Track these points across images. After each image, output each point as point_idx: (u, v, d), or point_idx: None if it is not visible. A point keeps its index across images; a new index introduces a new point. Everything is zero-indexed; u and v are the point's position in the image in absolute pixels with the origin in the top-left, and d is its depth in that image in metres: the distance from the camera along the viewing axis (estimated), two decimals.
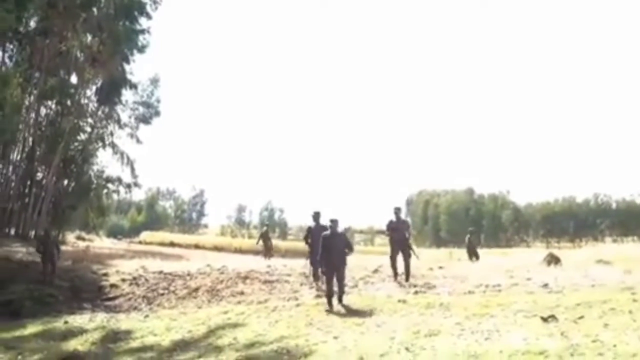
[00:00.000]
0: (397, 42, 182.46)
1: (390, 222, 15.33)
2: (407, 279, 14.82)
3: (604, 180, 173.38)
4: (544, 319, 9.12)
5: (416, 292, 13.60)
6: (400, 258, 15.04)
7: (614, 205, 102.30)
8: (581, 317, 9.22)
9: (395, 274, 15.17)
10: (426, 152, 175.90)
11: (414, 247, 15.36)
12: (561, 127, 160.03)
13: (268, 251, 26.67)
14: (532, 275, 14.58)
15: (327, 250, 12.40)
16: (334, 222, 12.92)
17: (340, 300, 12.22)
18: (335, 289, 12.22)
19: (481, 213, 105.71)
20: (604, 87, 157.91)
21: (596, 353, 6.84)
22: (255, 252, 31.38)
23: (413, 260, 15.12)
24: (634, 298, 10.55)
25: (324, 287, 13.33)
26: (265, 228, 33.30)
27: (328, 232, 12.83)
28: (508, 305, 10.87)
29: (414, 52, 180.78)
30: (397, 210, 15.59)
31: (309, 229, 15.38)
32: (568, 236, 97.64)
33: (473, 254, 22.71)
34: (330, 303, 12.11)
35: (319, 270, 13.84)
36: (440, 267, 16.98)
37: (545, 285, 13.17)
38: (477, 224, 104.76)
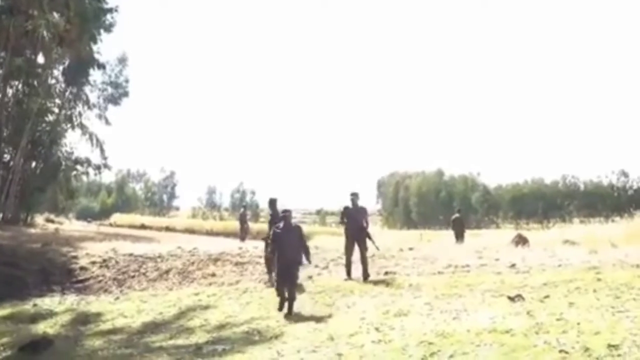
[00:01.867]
0: (368, 26, 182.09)
1: (345, 208, 13.58)
2: (365, 276, 12.88)
3: (572, 162, 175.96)
4: (511, 299, 9.30)
5: (386, 273, 13.73)
6: (356, 251, 13.26)
7: (581, 187, 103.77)
8: (547, 297, 9.42)
9: (349, 271, 13.23)
10: (398, 134, 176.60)
11: (372, 237, 13.55)
12: (530, 109, 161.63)
13: (243, 233, 26.68)
14: (501, 256, 14.80)
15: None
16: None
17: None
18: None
19: (451, 195, 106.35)
20: (572, 69, 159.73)
21: (560, 331, 6.99)
22: (226, 235, 31.36)
23: (377, 249, 14.07)
24: (599, 277, 10.79)
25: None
26: (242, 210, 33.17)
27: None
28: (476, 286, 11.06)
29: (385, 35, 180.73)
30: (354, 196, 13.52)
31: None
32: (537, 217, 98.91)
33: (459, 235, 22.65)
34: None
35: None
36: (410, 249, 17.15)
37: (513, 265, 13.39)
38: (447, 205, 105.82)
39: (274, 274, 11.91)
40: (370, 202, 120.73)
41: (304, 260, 10.96)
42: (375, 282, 12.43)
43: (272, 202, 14.26)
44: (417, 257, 15.59)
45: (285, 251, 10.66)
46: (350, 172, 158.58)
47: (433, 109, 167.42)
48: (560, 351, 6.20)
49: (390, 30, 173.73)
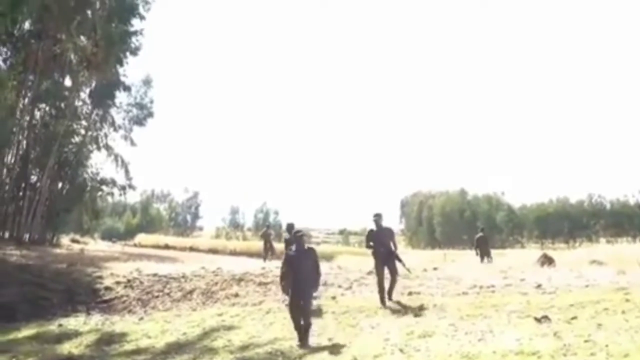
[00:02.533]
0: (391, 44, 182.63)
1: (370, 232, 12.97)
2: (390, 297, 12.42)
3: (598, 181, 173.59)
4: (537, 320, 9.17)
5: (410, 294, 13.63)
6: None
7: (608, 206, 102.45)
8: (574, 318, 9.28)
9: (382, 298, 12.33)
10: (421, 154, 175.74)
11: (401, 257, 12.91)
12: (555, 128, 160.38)
13: (267, 252, 26.58)
14: (526, 276, 14.62)
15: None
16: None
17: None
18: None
19: (475, 214, 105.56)
20: (599, 88, 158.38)
21: (589, 353, 6.88)
22: (249, 255, 31.31)
23: (408, 271, 13.63)
24: (627, 298, 10.61)
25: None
26: (265, 229, 33.03)
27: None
28: (502, 306, 10.92)
29: (407, 53, 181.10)
30: (377, 218, 12.88)
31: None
32: (562, 237, 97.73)
33: (485, 254, 22.18)
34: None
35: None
36: (435, 269, 17.01)
37: (539, 286, 13.21)
38: (471, 225, 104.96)
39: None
40: (393, 221, 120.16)
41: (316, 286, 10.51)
42: (399, 303, 12.34)
43: (290, 227, 14.24)
44: (441, 277, 15.45)
45: (299, 275, 10.11)
46: (374, 192, 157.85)
47: (456, 128, 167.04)
48: None
49: (416, 51, 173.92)
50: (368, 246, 12.93)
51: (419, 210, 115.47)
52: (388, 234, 12.94)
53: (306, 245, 10.63)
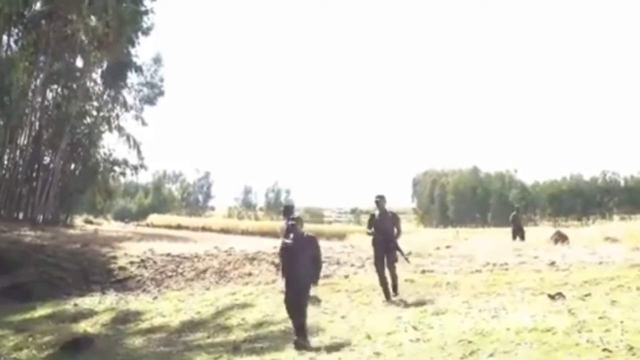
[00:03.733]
0: (403, 24, 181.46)
1: (372, 217, 11.49)
2: (395, 291, 11.01)
3: (611, 157, 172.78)
4: (551, 297, 9.13)
5: (423, 272, 13.62)
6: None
7: (622, 183, 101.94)
8: (588, 295, 9.23)
9: (386, 292, 10.92)
10: (433, 132, 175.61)
11: (401, 247, 11.31)
12: (569, 104, 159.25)
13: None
14: (540, 254, 14.58)
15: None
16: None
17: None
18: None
19: (488, 192, 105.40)
20: (613, 63, 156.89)
21: (603, 329, 6.84)
22: (262, 234, 31.36)
23: (407, 260, 11.69)
24: None
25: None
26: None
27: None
28: (515, 284, 10.89)
29: (419, 32, 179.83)
30: (380, 200, 11.31)
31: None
32: (575, 214, 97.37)
33: (518, 233, 21.52)
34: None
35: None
36: (448, 247, 17.01)
37: (553, 263, 13.16)
38: (484, 203, 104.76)
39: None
40: (405, 200, 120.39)
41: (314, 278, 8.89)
42: (413, 281, 12.33)
43: (288, 210, 12.06)
44: (454, 256, 15.44)
45: (295, 268, 8.58)
46: (386, 170, 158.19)
47: (469, 106, 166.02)
48: (604, 350, 6.07)
49: (424, 28, 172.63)
50: (369, 233, 11.42)
51: (431, 188, 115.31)
52: (391, 219, 11.27)
53: (305, 233, 8.94)
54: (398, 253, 11.13)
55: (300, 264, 8.53)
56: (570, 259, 13.39)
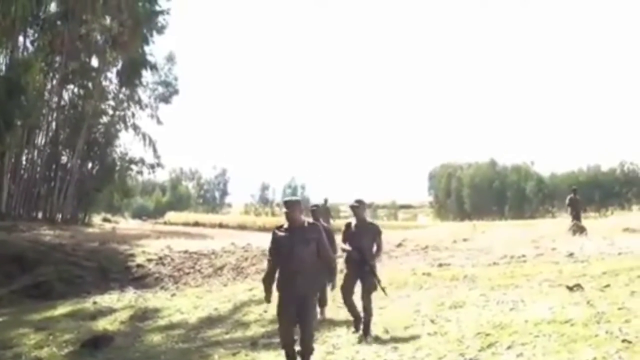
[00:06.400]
0: (418, 16, 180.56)
1: (348, 227, 8.45)
2: (366, 331, 8.01)
3: (630, 148, 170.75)
4: (570, 288, 9.07)
5: (440, 265, 13.60)
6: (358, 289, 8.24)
7: None
8: (607, 286, 9.16)
9: (357, 319, 8.23)
10: (448, 125, 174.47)
11: (376, 270, 8.29)
12: (585, 95, 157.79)
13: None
14: (558, 245, 14.52)
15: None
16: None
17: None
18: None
19: (505, 185, 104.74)
20: (629, 52, 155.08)
21: (623, 320, 6.79)
22: None
23: (383, 292, 8.28)
24: None
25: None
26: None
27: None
28: (533, 276, 10.85)
29: (434, 23, 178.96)
30: (359, 206, 8.50)
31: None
32: (594, 206, 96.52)
33: (577, 218, 20.04)
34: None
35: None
36: (465, 240, 16.96)
37: (571, 254, 13.10)
38: (501, 196, 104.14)
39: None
40: (421, 194, 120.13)
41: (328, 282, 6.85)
42: (430, 274, 12.31)
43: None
44: (471, 249, 15.42)
45: (292, 269, 6.22)
46: (401, 164, 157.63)
47: (484, 98, 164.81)
48: (623, 341, 6.03)
49: (441, 20, 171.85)
50: (343, 249, 8.46)
51: (447, 181, 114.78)
52: (370, 231, 8.41)
53: (306, 222, 6.52)
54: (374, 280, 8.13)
55: (299, 264, 6.17)
56: (589, 250, 13.32)
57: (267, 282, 6.55)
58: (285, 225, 6.31)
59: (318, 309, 8.07)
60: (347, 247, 8.24)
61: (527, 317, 7.51)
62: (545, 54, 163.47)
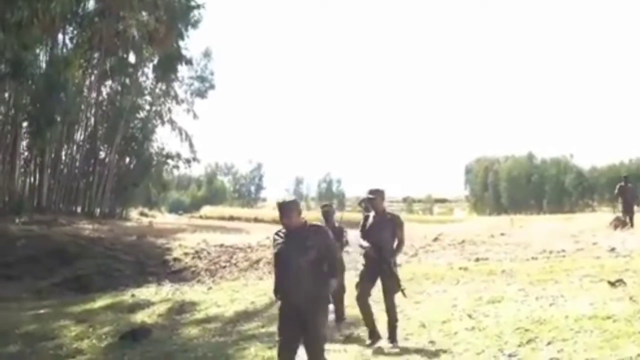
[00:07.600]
0: (456, 10, 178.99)
1: (365, 220, 7.72)
2: (392, 337, 7.31)
3: None
4: (611, 284, 8.85)
5: (477, 260, 13.42)
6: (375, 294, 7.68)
7: None
8: None
9: (373, 332, 7.52)
10: (485, 118, 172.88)
11: (397, 269, 7.58)
12: (627, 85, 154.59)
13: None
14: (599, 240, 14.24)
15: None
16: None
17: None
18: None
19: (543, 178, 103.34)
20: None
21: None
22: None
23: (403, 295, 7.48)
24: None
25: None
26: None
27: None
28: (573, 271, 10.62)
29: (471, 16, 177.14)
30: (374, 197, 7.60)
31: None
32: (636, 200, 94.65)
33: (629, 211, 18.86)
34: None
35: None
36: (502, 234, 16.75)
37: (613, 249, 12.82)
38: (539, 189, 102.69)
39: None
40: (458, 188, 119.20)
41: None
42: (467, 269, 12.16)
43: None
44: (509, 243, 15.21)
45: (286, 280, 5.46)
46: (437, 158, 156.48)
47: (522, 91, 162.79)
48: None
49: (479, 13, 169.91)
50: (361, 246, 7.65)
51: (484, 175, 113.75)
52: (389, 224, 7.56)
53: (307, 224, 5.45)
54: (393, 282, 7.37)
55: (296, 272, 5.29)
56: (631, 245, 13.01)
57: (276, 294, 5.70)
58: (284, 230, 5.43)
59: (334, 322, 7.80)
60: (365, 243, 7.50)
61: (567, 312, 7.35)
62: (585, 43, 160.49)
